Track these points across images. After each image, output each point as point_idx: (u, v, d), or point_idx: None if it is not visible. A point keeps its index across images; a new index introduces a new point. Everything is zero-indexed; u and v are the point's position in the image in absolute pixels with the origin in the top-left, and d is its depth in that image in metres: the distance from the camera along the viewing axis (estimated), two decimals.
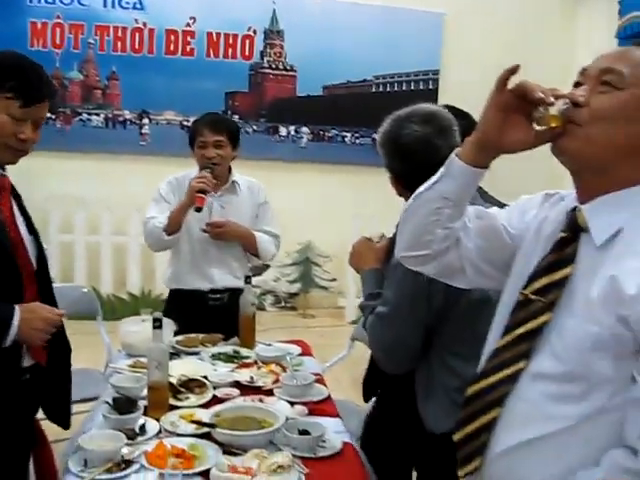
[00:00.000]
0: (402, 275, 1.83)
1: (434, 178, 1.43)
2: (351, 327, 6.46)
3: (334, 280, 6.99)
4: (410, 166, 1.96)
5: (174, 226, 3.15)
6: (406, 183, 1.99)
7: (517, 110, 1.27)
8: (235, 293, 3.17)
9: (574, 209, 1.33)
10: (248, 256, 3.38)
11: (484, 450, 1.34)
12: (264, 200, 3.40)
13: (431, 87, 7.18)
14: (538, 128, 1.27)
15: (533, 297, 1.33)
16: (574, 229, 1.32)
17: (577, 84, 1.33)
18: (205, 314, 3.20)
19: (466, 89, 6.68)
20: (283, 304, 7.13)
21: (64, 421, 2.22)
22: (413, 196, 1.48)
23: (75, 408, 3.19)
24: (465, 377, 1.87)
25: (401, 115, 2.00)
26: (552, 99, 1.24)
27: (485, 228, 1.49)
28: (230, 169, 3.33)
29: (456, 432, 1.41)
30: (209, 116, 3.36)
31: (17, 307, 1.91)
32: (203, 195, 3.06)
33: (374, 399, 2.52)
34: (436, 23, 7.02)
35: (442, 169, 1.41)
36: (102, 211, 6.38)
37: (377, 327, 2.03)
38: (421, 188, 1.46)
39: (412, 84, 7.18)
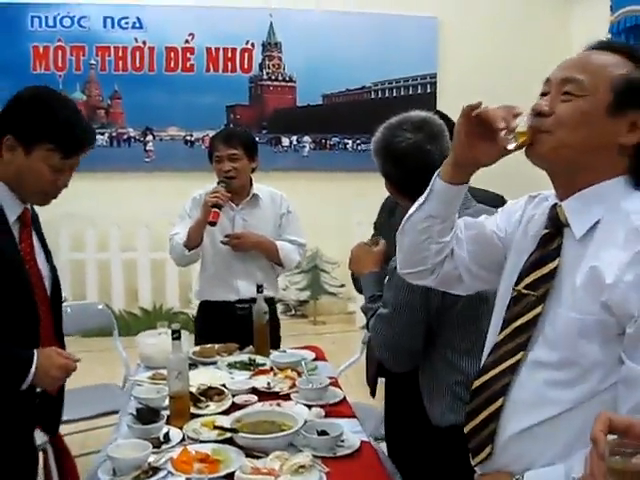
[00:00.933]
0: (400, 277, 1.90)
1: (421, 199, 1.54)
2: (362, 332, 6.54)
3: (343, 286, 7.02)
4: (404, 172, 2.04)
5: (193, 241, 3.23)
6: (401, 188, 2.09)
7: (486, 130, 1.35)
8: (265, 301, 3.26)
9: (554, 206, 1.42)
10: (274, 266, 3.43)
11: (493, 438, 1.41)
12: (287, 210, 3.45)
13: (429, 91, 7.23)
14: (510, 147, 1.35)
15: (525, 292, 1.42)
16: (556, 225, 1.41)
17: (543, 94, 1.40)
18: (234, 324, 3.26)
19: (464, 91, 6.72)
20: (293, 312, 7.19)
21: (53, 427, 2.25)
22: (405, 218, 1.59)
23: (96, 422, 3.31)
24: (466, 372, 1.96)
25: (393, 123, 2.08)
26: (514, 122, 1.33)
27: (476, 236, 1.61)
28: (251, 181, 3.40)
29: (466, 424, 1.49)
30: (224, 131, 3.45)
31: (35, 353, 1.91)
32: (217, 210, 3.13)
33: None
34: (431, 27, 7.09)
35: (427, 190, 1.52)
36: (111, 228, 6.45)
37: (380, 328, 2.10)
38: (411, 210, 1.58)
39: (410, 89, 7.24)
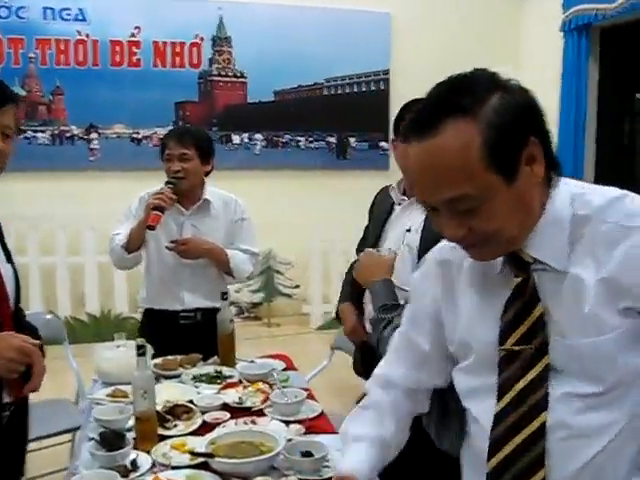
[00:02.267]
0: None
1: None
2: (318, 334, 6.45)
3: (297, 287, 6.90)
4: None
5: (133, 244, 3.04)
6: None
7: None
8: (208, 312, 3.08)
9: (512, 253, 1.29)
10: (224, 276, 3.23)
11: None
12: (240, 217, 3.24)
13: (382, 88, 7.14)
14: None
15: (516, 348, 1.28)
16: (522, 267, 1.28)
17: (432, 209, 1.26)
18: (178, 333, 3.08)
19: (417, 88, 6.66)
20: (246, 314, 7.01)
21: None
22: None
23: (47, 442, 3.06)
24: None
25: None
26: None
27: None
28: (203, 185, 3.19)
29: None
30: (179, 129, 3.24)
31: None
32: (159, 213, 2.93)
33: None
34: (384, 23, 7.00)
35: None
36: (55, 231, 6.15)
37: None
38: None
39: (363, 85, 7.14)
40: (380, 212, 2.55)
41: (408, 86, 6.83)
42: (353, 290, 2.51)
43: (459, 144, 1.15)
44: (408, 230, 2.34)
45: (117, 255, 3.08)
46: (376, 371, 1.60)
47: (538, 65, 6.85)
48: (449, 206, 1.20)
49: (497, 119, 1.16)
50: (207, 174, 3.19)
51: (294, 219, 6.50)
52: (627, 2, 5.71)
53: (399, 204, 2.43)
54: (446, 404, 1.86)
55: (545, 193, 1.26)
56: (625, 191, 1.26)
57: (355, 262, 2.43)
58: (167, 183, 3.04)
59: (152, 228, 2.93)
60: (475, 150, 1.15)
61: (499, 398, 1.30)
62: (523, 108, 1.20)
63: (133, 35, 6.39)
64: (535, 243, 1.26)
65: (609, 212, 1.21)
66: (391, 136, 2.52)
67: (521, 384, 1.27)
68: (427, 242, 2.14)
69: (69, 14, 6.22)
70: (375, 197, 2.68)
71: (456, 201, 1.18)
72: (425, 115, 1.20)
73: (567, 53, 6.56)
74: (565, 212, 1.25)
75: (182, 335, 3.06)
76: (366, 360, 2.48)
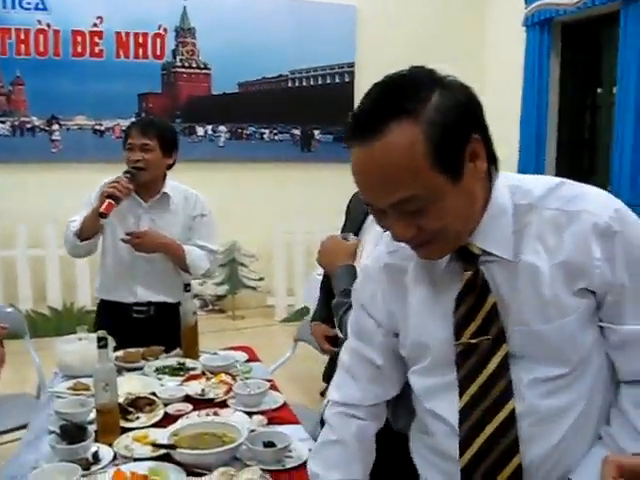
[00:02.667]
0: None
1: None
2: (282, 326, 6.46)
3: (262, 279, 6.89)
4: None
5: (86, 232, 3.00)
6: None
7: None
8: (162, 306, 3.08)
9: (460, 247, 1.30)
10: (180, 272, 3.18)
11: None
12: (200, 213, 3.20)
13: (347, 80, 7.16)
14: None
15: (474, 341, 1.29)
16: (472, 260, 1.30)
17: (379, 211, 1.25)
18: (131, 326, 3.05)
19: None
20: (211, 307, 6.99)
21: None
22: None
23: (7, 437, 3.03)
24: None
25: None
26: None
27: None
28: (164, 179, 3.15)
29: None
30: (143, 119, 3.20)
31: None
32: (113, 201, 2.87)
33: None
34: (349, 16, 7.01)
35: None
36: (16, 223, 6.06)
37: None
38: None
39: (328, 78, 7.14)
40: (356, 215, 2.54)
41: (373, 79, 6.82)
42: (328, 299, 2.52)
43: (404, 145, 1.14)
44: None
45: (70, 242, 3.05)
46: (332, 396, 1.56)
47: (501, 59, 6.93)
48: (397, 208, 1.20)
49: (439, 118, 1.16)
50: (169, 167, 3.15)
51: (258, 211, 6.51)
52: None
53: None
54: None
55: (487, 188, 1.29)
56: (561, 179, 1.31)
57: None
58: (125, 172, 3.00)
59: (104, 216, 2.88)
60: (420, 150, 1.15)
61: (461, 393, 1.31)
62: (464, 105, 1.21)
63: (95, 25, 6.30)
64: (482, 236, 1.28)
65: (550, 199, 1.26)
66: None
67: (482, 377, 1.29)
68: None
69: (29, 3, 6.11)
70: (351, 198, 2.67)
71: (404, 202, 1.18)
72: (367, 118, 1.18)
73: (529, 48, 6.63)
74: (507, 203, 1.28)
75: (136, 328, 3.03)
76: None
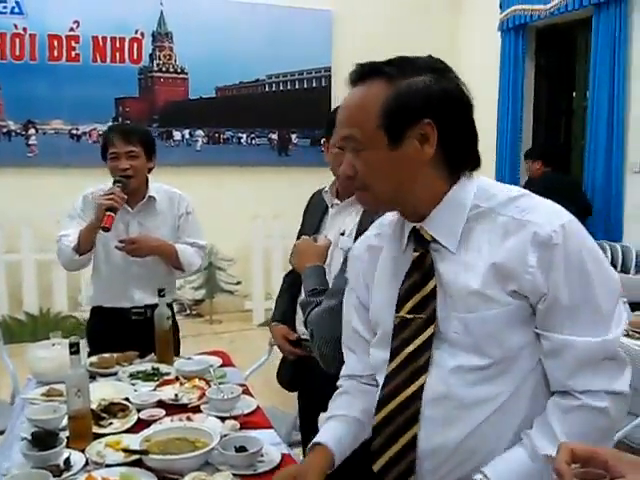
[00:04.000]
0: None
1: None
2: (260, 330, 6.45)
3: (239, 283, 6.90)
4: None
5: (85, 245, 3.00)
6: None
7: None
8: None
9: (414, 228, 1.44)
10: (172, 270, 3.23)
11: (413, 468, 1.40)
12: (185, 211, 3.24)
13: (324, 84, 7.19)
14: None
15: (410, 316, 1.40)
16: (423, 244, 1.42)
17: (340, 148, 1.49)
18: (128, 330, 3.06)
19: None
20: (189, 312, 6.98)
21: None
22: None
23: None
24: None
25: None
26: None
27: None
28: (147, 182, 3.17)
29: (375, 462, 1.44)
30: (121, 126, 3.20)
31: None
32: (112, 213, 2.89)
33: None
34: (325, 20, 7.05)
35: None
36: None
37: (327, 320, 1.95)
38: None
39: (305, 82, 7.18)
40: (314, 215, 2.57)
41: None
42: (290, 300, 2.55)
43: (370, 94, 1.36)
44: (342, 233, 2.38)
45: (67, 257, 3.03)
46: (341, 373, 1.71)
47: (477, 63, 6.97)
48: (345, 142, 1.40)
49: (406, 91, 1.33)
50: (149, 171, 3.17)
51: (235, 215, 6.50)
52: (560, 4, 5.87)
53: (332, 207, 2.47)
54: None
55: (446, 180, 1.40)
56: (524, 191, 1.41)
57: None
58: (115, 182, 2.99)
59: (107, 230, 2.89)
60: (376, 105, 1.34)
61: (390, 360, 1.43)
62: (436, 94, 1.34)
63: (72, 29, 6.29)
64: (433, 224, 1.40)
65: (508, 207, 1.35)
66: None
67: (406, 352, 1.40)
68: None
69: (5, 7, 6.10)
70: (309, 200, 2.70)
71: (348, 139, 1.38)
72: (360, 70, 1.40)
73: (504, 52, 6.71)
74: (466, 201, 1.39)
75: (133, 332, 3.03)
76: (292, 373, 2.53)
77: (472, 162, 1.43)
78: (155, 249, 3.12)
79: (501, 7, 6.67)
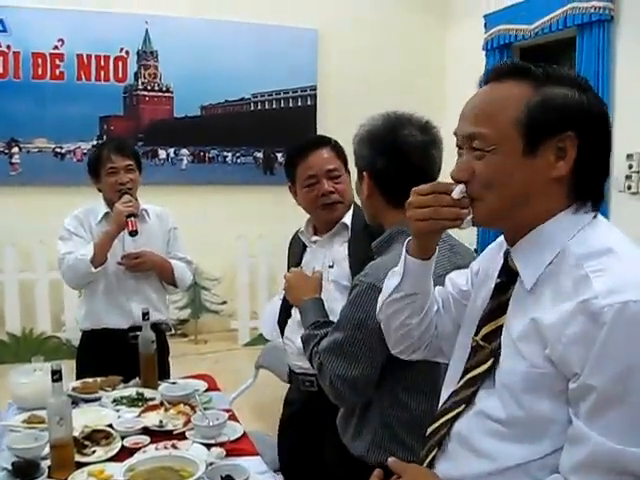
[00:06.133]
0: (369, 299, 1.75)
1: (395, 281, 1.51)
2: (246, 350, 6.42)
3: (224, 303, 6.85)
4: (400, 168, 1.85)
5: (101, 256, 3.03)
6: (385, 183, 1.89)
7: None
8: (156, 326, 3.05)
9: (507, 252, 1.34)
10: (165, 286, 3.26)
11: None
12: (173, 226, 3.31)
13: (309, 103, 7.19)
14: (463, 226, 1.32)
15: (482, 343, 1.33)
16: (508, 273, 1.32)
17: (459, 147, 1.33)
18: (126, 353, 2.98)
19: (343, 104, 6.80)
20: (173, 331, 6.91)
21: None
22: (384, 301, 1.57)
23: None
24: (415, 412, 1.83)
25: (395, 115, 1.92)
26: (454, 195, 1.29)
27: (454, 303, 1.57)
28: (136, 198, 3.18)
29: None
30: (113, 142, 3.25)
31: None
32: (134, 219, 2.99)
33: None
34: (310, 39, 7.04)
35: (401, 269, 1.49)
36: None
37: (338, 356, 1.86)
38: (387, 292, 1.55)
39: (290, 101, 7.17)
40: (294, 257, 2.59)
41: (334, 102, 6.96)
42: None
43: (510, 95, 1.25)
44: (331, 266, 2.37)
45: (81, 271, 3.03)
46: None
47: (462, 80, 7.00)
48: (468, 143, 1.28)
49: (553, 99, 1.22)
50: None
51: (220, 235, 6.46)
52: (544, 24, 5.92)
53: (312, 244, 2.48)
54: (376, 409, 1.89)
55: (558, 209, 1.26)
56: (622, 247, 1.22)
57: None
58: (125, 193, 3.06)
59: (136, 233, 3.00)
60: (518, 107, 1.23)
61: (459, 379, 1.38)
62: (581, 110, 1.23)
63: (56, 47, 6.24)
64: (520, 253, 1.29)
65: (593, 259, 1.18)
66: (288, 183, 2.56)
67: (472, 373, 1.33)
68: (356, 266, 2.18)
69: None
70: (291, 240, 2.72)
71: (472, 138, 1.26)
72: (506, 67, 1.30)
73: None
74: (557, 240, 1.24)
75: (129, 355, 2.94)
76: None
77: (597, 196, 1.28)
78: (156, 264, 3.17)
79: (486, 26, 6.71)
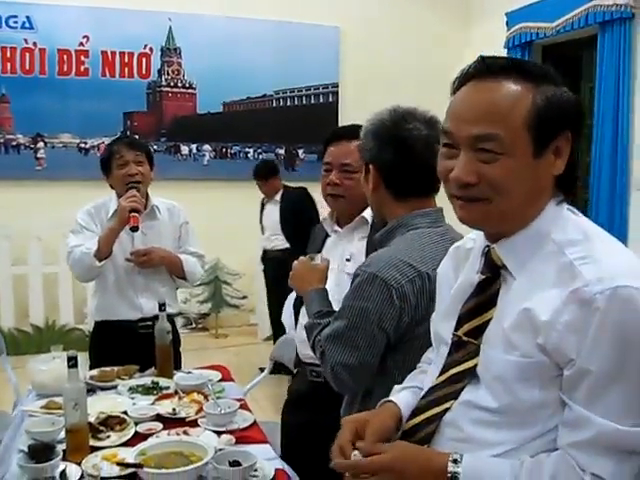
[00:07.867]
0: (370, 288, 1.79)
1: None
2: (265, 344, 6.46)
3: (245, 298, 6.92)
4: (405, 162, 1.88)
5: (105, 251, 3.04)
6: (391, 175, 1.91)
7: None
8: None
9: (487, 248, 1.34)
10: (175, 280, 3.29)
11: None
12: (184, 220, 3.32)
13: (331, 100, 7.23)
14: None
15: (465, 339, 1.34)
16: (492, 269, 1.33)
17: (446, 145, 1.29)
18: (135, 343, 3.07)
19: (365, 101, 6.80)
20: (194, 325, 7.00)
21: None
22: None
23: None
24: None
25: (402, 110, 1.93)
26: None
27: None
28: (147, 194, 3.22)
29: None
30: (123, 137, 3.29)
31: None
32: (137, 214, 2.98)
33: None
34: (333, 37, 7.10)
35: None
36: (0, 241, 6.08)
37: (339, 344, 1.89)
38: None
39: (312, 98, 7.22)
40: (314, 245, 2.61)
41: (356, 99, 6.98)
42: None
43: (514, 94, 1.21)
44: (348, 259, 2.40)
45: (86, 264, 3.05)
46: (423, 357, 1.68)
47: None
48: (473, 145, 1.22)
49: (553, 97, 1.23)
50: (150, 181, 3.24)
51: (242, 230, 6.50)
52: (566, 22, 5.90)
53: (333, 233, 2.51)
54: (377, 396, 1.91)
55: (546, 203, 1.28)
56: (602, 232, 1.28)
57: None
58: (131, 187, 3.07)
59: (137, 229, 3.00)
60: (525, 107, 1.20)
61: (439, 374, 1.39)
62: (574, 108, 1.26)
63: (81, 44, 6.37)
64: (508, 247, 1.29)
65: (575, 247, 1.22)
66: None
67: (456, 370, 1.34)
68: None
69: (16, 22, 6.18)
70: (310, 233, 2.73)
71: (485, 138, 1.21)
72: (498, 64, 1.26)
73: None
74: (545, 227, 1.27)
75: (139, 345, 3.03)
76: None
77: (573, 187, 1.32)
78: (164, 259, 3.18)
79: (507, 24, 6.71)
